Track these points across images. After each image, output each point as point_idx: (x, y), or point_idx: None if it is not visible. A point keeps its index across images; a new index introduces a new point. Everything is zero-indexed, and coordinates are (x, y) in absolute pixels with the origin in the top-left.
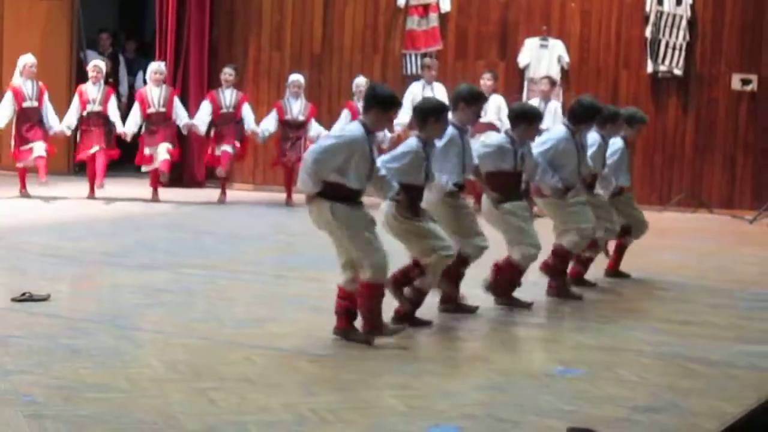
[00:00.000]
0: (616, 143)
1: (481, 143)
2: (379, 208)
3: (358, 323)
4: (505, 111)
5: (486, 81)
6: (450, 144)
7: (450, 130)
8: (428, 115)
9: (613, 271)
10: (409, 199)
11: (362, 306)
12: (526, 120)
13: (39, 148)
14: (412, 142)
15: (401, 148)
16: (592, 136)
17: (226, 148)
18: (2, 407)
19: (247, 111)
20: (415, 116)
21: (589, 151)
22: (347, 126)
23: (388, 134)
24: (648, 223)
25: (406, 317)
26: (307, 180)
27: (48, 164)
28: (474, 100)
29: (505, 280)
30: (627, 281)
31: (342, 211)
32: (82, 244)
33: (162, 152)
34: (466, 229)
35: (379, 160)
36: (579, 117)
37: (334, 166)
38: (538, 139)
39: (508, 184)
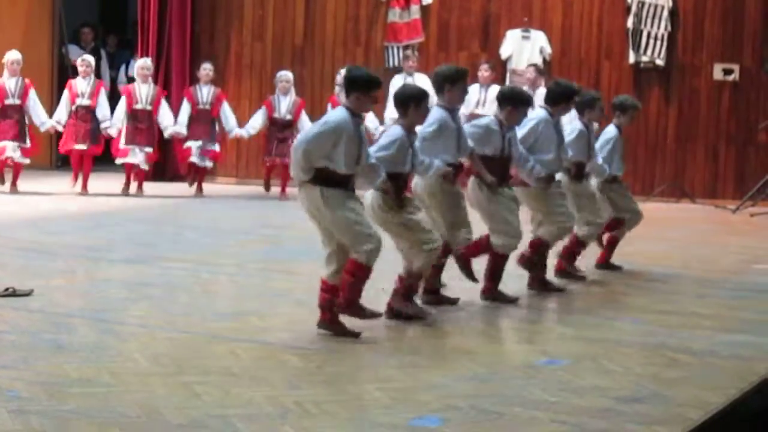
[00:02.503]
0: (609, 131)
1: (470, 124)
2: (363, 199)
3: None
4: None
5: (483, 72)
6: (442, 127)
7: (439, 113)
8: (408, 101)
9: (604, 264)
10: (395, 189)
11: (345, 282)
12: (511, 102)
13: (10, 148)
14: (396, 130)
15: (387, 138)
16: (572, 124)
17: (199, 144)
18: None
19: (226, 112)
20: (396, 104)
21: (567, 139)
22: (333, 112)
23: (380, 127)
24: (642, 214)
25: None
26: (299, 171)
27: (20, 170)
28: (459, 78)
29: (488, 269)
30: (611, 272)
31: (333, 197)
32: (65, 238)
33: (141, 159)
34: (458, 220)
35: (369, 151)
36: (556, 97)
37: (323, 154)
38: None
39: (494, 169)
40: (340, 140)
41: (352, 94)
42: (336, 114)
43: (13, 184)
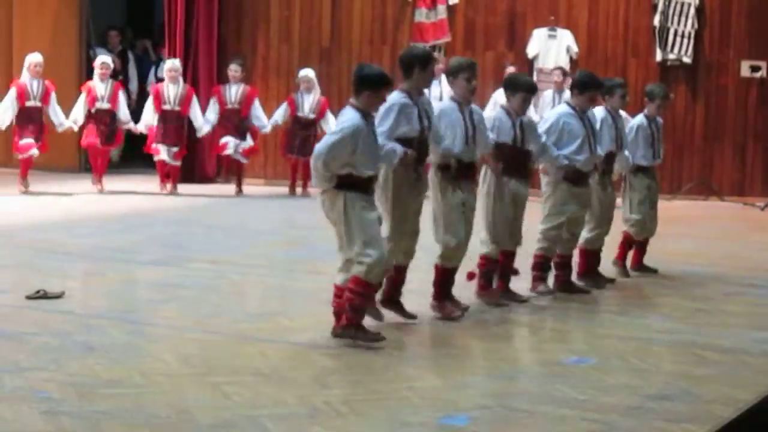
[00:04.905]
0: (634, 120)
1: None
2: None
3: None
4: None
5: (507, 73)
6: (443, 116)
7: (444, 104)
8: (412, 65)
9: (638, 266)
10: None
11: (348, 300)
12: (510, 89)
13: (33, 149)
14: (393, 96)
15: (382, 107)
16: (598, 114)
17: (235, 140)
18: (18, 404)
19: (258, 111)
20: (401, 68)
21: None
22: (344, 116)
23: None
24: (645, 226)
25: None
26: (321, 181)
27: (32, 163)
28: (456, 71)
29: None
30: (642, 272)
31: (356, 205)
32: (93, 240)
33: (170, 156)
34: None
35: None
36: (576, 87)
37: (343, 161)
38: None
39: (508, 157)
40: (358, 144)
41: (363, 92)
42: (350, 118)
43: (23, 179)
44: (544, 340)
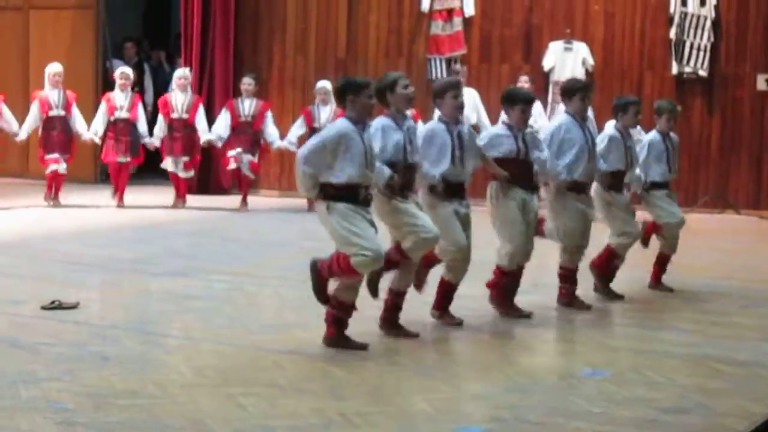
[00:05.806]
0: (647, 137)
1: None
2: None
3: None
4: (542, 114)
5: (523, 84)
6: (432, 137)
7: (433, 125)
8: (383, 92)
9: (655, 285)
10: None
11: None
12: (508, 103)
13: (60, 163)
14: (377, 119)
15: (371, 129)
16: (603, 132)
17: (245, 155)
18: (33, 414)
19: (270, 126)
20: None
21: (599, 148)
22: (332, 123)
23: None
24: (681, 222)
25: (391, 324)
26: (301, 184)
27: (64, 179)
28: (442, 91)
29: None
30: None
31: (338, 209)
32: (109, 251)
33: (179, 168)
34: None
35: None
36: (563, 95)
37: (323, 165)
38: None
39: (512, 170)
40: (339, 151)
41: (347, 99)
42: (336, 123)
43: (56, 196)
44: (559, 353)
